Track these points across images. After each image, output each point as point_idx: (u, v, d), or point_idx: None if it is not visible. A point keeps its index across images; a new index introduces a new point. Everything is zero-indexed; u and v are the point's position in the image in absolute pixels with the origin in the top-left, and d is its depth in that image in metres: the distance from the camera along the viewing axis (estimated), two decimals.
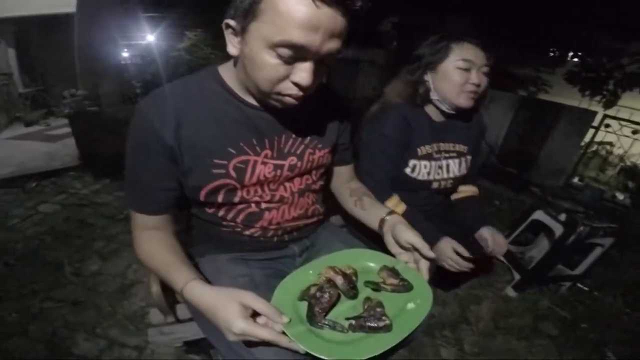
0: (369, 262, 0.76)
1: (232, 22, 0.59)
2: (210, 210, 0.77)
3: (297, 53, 0.56)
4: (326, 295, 0.61)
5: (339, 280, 0.65)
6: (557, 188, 2.81)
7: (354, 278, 0.68)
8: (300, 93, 0.62)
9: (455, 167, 1.20)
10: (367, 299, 0.64)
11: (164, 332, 0.83)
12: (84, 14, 3.05)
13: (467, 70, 1.02)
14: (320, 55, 0.57)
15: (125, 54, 3.99)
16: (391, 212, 0.84)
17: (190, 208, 0.82)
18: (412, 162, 1.13)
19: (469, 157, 1.23)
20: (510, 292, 1.73)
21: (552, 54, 3.52)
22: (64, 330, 1.31)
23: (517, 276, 1.76)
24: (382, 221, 0.82)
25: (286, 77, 0.60)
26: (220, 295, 0.59)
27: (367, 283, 0.68)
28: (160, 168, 0.67)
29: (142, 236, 0.71)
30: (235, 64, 0.66)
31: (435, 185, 1.18)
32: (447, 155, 1.17)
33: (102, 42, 3.11)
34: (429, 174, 1.15)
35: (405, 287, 0.67)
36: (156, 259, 0.69)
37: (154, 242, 0.71)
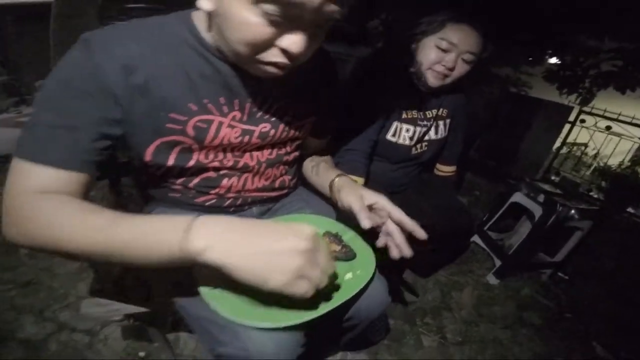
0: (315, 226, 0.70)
1: None
2: (158, 173, 0.65)
3: (288, 13, 0.43)
4: None
5: None
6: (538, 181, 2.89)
7: None
8: (288, 62, 0.50)
9: (433, 131, 1.18)
10: None
11: (100, 303, 0.71)
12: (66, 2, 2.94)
13: (445, 51, 0.99)
14: (318, 19, 0.46)
15: None
16: (341, 175, 0.73)
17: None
18: (395, 125, 1.09)
19: (448, 121, 1.21)
20: (492, 279, 1.70)
21: (531, 53, 3.59)
22: (10, 313, 1.18)
23: (497, 263, 1.72)
24: (331, 184, 0.72)
25: (271, 41, 0.47)
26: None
27: None
28: (91, 112, 0.51)
29: (40, 201, 0.47)
30: (209, 22, 0.54)
31: (414, 151, 1.16)
32: (429, 121, 1.16)
33: (80, 30, 2.99)
34: (410, 138, 1.12)
35: (346, 255, 0.62)
36: (92, 219, 0.46)
37: (72, 204, 0.48)
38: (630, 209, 2.79)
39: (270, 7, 0.43)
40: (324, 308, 0.51)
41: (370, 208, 0.63)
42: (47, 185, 0.48)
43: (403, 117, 1.10)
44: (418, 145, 1.17)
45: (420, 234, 0.61)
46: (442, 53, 0.99)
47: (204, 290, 0.52)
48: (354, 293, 0.55)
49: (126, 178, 0.91)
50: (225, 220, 0.46)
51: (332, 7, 0.45)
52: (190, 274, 0.55)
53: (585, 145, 3.87)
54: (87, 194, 0.54)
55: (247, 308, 0.51)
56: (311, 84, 0.70)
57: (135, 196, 0.85)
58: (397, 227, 0.63)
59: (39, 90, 0.52)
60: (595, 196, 3.00)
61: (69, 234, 0.45)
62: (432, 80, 1.04)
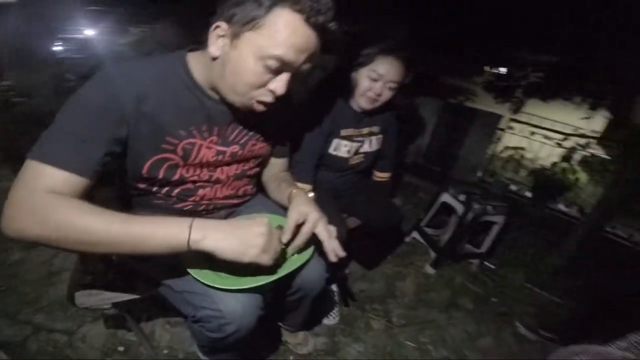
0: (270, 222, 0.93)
1: (224, 25, 0.65)
2: (148, 183, 0.79)
3: (282, 66, 0.66)
4: None
5: None
6: (472, 183, 3.21)
7: None
8: (273, 100, 0.71)
9: (367, 145, 1.41)
10: None
11: (92, 294, 0.86)
12: (24, 5, 2.90)
13: (375, 80, 1.21)
14: (298, 70, 0.69)
15: (59, 48, 3.76)
16: (295, 189, 0.91)
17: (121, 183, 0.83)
18: (335, 141, 1.31)
19: (380, 136, 1.45)
20: (429, 269, 1.93)
21: (473, 65, 3.98)
22: None
23: (433, 255, 1.99)
24: (289, 196, 0.89)
25: (265, 84, 0.68)
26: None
27: None
28: (105, 132, 0.63)
29: (53, 199, 0.56)
30: (209, 64, 0.70)
31: (351, 162, 1.39)
32: (363, 137, 1.39)
33: (38, 34, 2.96)
34: (348, 152, 1.35)
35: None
36: (110, 215, 0.57)
37: (86, 203, 0.58)
38: (552, 206, 3.21)
39: (271, 62, 0.64)
40: (276, 275, 0.73)
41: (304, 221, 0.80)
42: (59, 187, 0.58)
43: (342, 134, 1.32)
44: (355, 157, 1.40)
45: (333, 255, 0.77)
46: (372, 82, 1.22)
47: (190, 269, 0.72)
48: (297, 266, 0.79)
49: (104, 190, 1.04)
50: (212, 221, 0.66)
51: (308, 65, 0.70)
52: (175, 263, 0.73)
53: (522, 149, 4.31)
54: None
55: (221, 279, 0.72)
56: (273, 117, 0.87)
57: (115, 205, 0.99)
58: (327, 236, 0.78)
59: (70, 105, 0.62)
60: (529, 195, 3.38)
61: (92, 225, 0.56)
62: (364, 104, 1.27)
